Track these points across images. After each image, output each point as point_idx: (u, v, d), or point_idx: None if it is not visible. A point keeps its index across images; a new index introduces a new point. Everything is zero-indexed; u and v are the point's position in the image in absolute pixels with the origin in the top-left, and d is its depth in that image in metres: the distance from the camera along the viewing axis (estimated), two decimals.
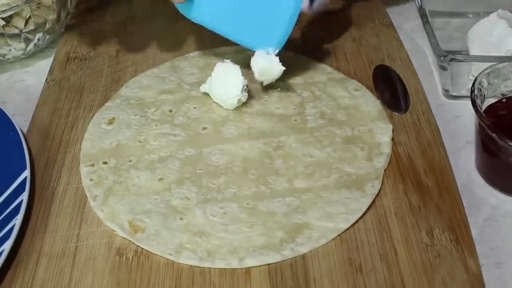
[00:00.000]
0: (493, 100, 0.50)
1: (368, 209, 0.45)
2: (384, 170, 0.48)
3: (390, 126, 0.52)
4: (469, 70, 0.55)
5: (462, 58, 0.54)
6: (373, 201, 0.46)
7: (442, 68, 0.55)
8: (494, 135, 0.44)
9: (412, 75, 0.58)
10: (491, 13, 0.57)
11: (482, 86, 0.48)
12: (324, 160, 0.49)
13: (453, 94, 0.56)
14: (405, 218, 0.45)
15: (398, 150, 0.50)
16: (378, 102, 0.55)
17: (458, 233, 0.44)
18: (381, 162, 0.49)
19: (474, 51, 0.57)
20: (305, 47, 0.61)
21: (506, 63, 0.49)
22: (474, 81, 0.48)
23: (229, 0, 0.52)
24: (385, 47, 0.62)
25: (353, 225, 0.44)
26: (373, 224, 0.45)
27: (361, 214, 0.45)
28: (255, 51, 0.53)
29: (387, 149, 0.50)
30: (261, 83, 0.55)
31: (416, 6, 0.61)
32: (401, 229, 0.44)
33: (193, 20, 0.54)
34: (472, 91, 0.47)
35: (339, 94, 0.55)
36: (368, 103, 0.55)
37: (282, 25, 0.52)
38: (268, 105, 0.54)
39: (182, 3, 0.52)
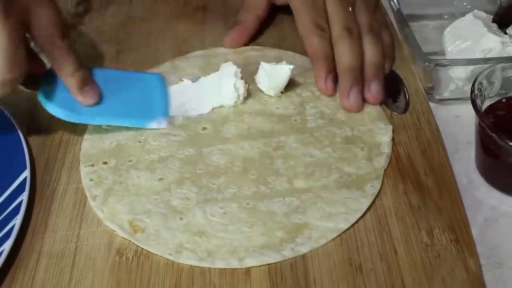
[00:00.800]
0: (493, 100, 0.50)
1: (368, 209, 0.45)
2: (384, 170, 0.48)
3: (390, 127, 0.52)
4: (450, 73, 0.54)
5: (447, 63, 0.54)
6: (373, 201, 0.46)
7: (426, 72, 0.55)
8: (494, 135, 0.44)
9: (412, 75, 0.58)
10: (466, 13, 0.57)
11: (482, 86, 0.48)
12: (324, 160, 0.49)
13: (436, 97, 0.56)
14: (405, 218, 0.45)
15: (398, 150, 0.50)
16: None
17: (458, 233, 0.44)
18: (381, 162, 0.49)
19: (449, 52, 0.56)
20: (305, 47, 0.61)
21: (506, 64, 0.49)
22: (474, 81, 0.48)
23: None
24: None
25: (353, 225, 0.44)
26: (373, 224, 0.45)
27: (361, 214, 0.45)
28: (259, 65, 0.53)
29: (387, 149, 0.50)
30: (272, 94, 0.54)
31: (394, 9, 0.60)
32: (401, 229, 0.44)
33: (66, 119, 0.49)
34: (472, 91, 0.47)
35: None
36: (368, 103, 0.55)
37: (160, 100, 0.53)
38: (268, 105, 0.54)
39: (46, 98, 0.48)
